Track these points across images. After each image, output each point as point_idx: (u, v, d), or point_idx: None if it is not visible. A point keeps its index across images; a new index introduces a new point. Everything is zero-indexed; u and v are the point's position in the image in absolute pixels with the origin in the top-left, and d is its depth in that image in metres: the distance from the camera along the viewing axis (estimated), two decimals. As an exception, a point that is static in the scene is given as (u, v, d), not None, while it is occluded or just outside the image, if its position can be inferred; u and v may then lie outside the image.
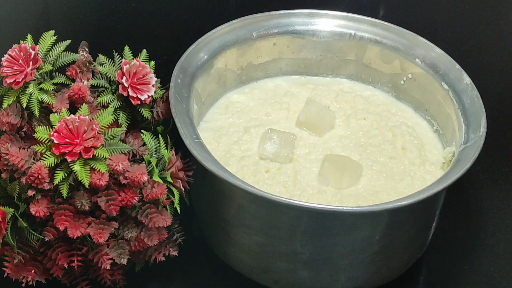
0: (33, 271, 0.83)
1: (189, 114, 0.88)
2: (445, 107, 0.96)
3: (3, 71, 0.81)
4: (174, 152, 0.85)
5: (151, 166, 0.81)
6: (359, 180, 0.90)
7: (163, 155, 0.83)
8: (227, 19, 0.99)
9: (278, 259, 0.86)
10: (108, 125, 0.81)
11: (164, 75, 0.91)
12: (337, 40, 1.02)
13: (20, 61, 0.82)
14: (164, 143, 0.84)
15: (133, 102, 0.85)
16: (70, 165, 0.77)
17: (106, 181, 0.77)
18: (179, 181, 0.84)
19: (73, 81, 0.85)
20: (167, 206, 0.82)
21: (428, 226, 0.91)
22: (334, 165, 0.89)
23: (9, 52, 0.82)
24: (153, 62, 0.87)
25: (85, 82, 0.84)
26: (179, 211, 0.83)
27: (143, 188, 0.80)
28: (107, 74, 0.86)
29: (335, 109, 0.99)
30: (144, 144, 0.84)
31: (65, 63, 0.86)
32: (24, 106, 0.82)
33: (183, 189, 0.85)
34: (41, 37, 0.85)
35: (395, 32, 1.01)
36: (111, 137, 0.80)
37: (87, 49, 0.91)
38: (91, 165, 0.77)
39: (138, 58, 0.87)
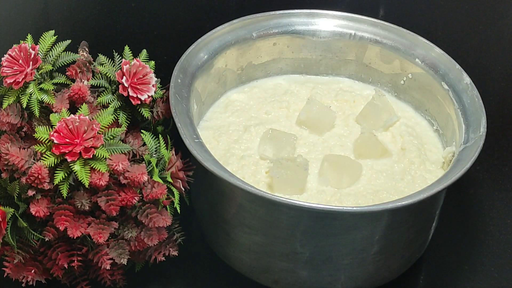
0: (33, 271, 0.83)
1: (189, 114, 0.88)
2: (445, 107, 0.96)
3: (3, 71, 0.81)
4: (174, 152, 0.85)
5: (151, 166, 0.81)
6: (359, 179, 0.90)
7: (163, 155, 0.83)
8: (227, 19, 0.99)
9: (278, 259, 0.86)
10: (108, 125, 0.81)
11: (164, 75, 0.91)
12: (337, 40, 1.02)
13: (20, 61, 0.82)
14: (164, 143, 0.84)
15: (133, 102, 0.85)
16: (70, 165, 0.77)
17: (106, 181, 0.77)
18: (179, 181, 0.84)
19: (73, 81, 0.85)
20: (167, 206, 0.82)
21: (428, 226, 0.91)
22: (333, 165, 0.89)
23: (9, 52, 0.82)
24: (153, 62, 0.87)
25: (85, 82, 0.84)
26: (179, 211, 0.83)
27: (143, 188, 0.80)
28: (107, 74, 0.86)
29: (335, 108, 1.00)
30: (144, 144, 0.84)
31: (65, 63, 0.86)
32: (24, 106, 0.82)
33: (183, 189, 0.85)
34: (41, 37, 0.85)
35: (395, 32, 1.01)
36: (111, 137, 0.80)
37: (87, 49, 0.91)
38: (91, 165, 0.78)
39: (138, 58, 0.87)
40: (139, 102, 0.85)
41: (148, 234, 0.81)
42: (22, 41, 0.83)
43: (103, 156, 0.78)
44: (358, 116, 0.98)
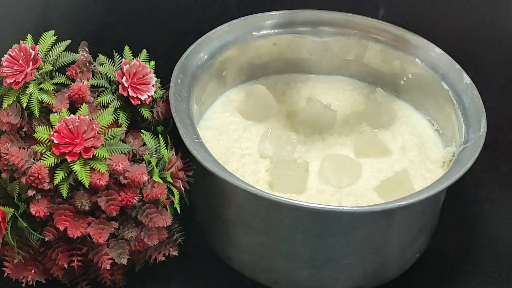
0: (33, 271, 0.83)
1: (189, 114, 0.88)
2: (445, 107, 0.96)
3: (3, 71, 0.82)
4: (174, 152, 0.85)
5: (151, 166, 0.81)
6: (358, 178, 0.90)
7: (163, 155, 0.83)
8: (227, 19, 0.99)
9: (278, 259, 0.86)
10: (108, 125, 0.81)
11: (164, 75, 0.91)
12: (337, 40, 1.02)
13: (20, 61, 0.82)
14: (164, 143, 0.84)
15: (133, 102, 0.85)
16: (70, 165, 0.77)
17: (106, 181, 0.77)
18: (179, 181, 0.84)
19: (73, 81, 0.85)
20: (167, 206, 0.83)
21: (428, 226, 0.91)
22: (333, 164, 0.89)
23: (9, 52, 0.82)
24: (153, 62, 0.87)
25: (85, 82, 0.84)
26: (179, 211, 0.83)
27: (143, 188, 0.80)
28: (107, 74, 0.86)
29: (335, 107, 1.00)
30: (144, 144, 0.84)
31: (65, 63, 0.86)
32: (24, 106, 0.82)
33: (183, 189, 0.85)
34: (41, 37, 0.85)
35: (395, 32, 1.01)
36: (111, 137, 0.80)
37: (87, 49, 0.91)
38: (91, 165, 0.78)
39: (138, 58, 0.87)
40: (139, 102, 0.85)
41: (148, 234, 0.81)
42: (22, 41, 0.83)
43: (103, 156, 0.78)
44: (359, 115, 0.98)
